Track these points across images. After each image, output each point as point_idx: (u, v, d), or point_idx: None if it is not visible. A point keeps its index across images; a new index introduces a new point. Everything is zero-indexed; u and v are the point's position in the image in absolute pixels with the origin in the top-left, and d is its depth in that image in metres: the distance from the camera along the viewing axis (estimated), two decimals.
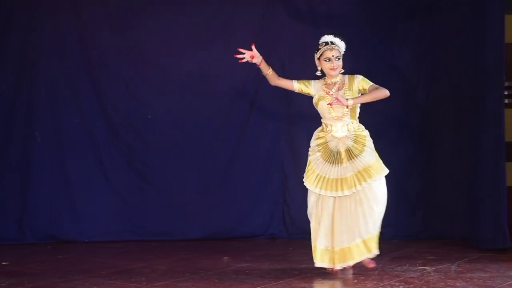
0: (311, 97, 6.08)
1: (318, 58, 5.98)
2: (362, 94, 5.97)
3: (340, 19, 7.66)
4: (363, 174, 5.85)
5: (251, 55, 6.00)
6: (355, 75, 6.01)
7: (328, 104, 5.92)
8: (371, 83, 5.96)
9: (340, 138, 5.96)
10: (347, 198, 5.87)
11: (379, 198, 5.89)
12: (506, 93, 8.96)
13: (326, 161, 5.95)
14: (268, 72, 6.04)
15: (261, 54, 6.04)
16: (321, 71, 6.02)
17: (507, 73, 9.40)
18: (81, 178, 7.67)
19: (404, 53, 7.68)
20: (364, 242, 5.85)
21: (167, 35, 7.76)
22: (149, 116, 7.74)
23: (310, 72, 7.44)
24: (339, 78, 6.01)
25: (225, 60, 7.56)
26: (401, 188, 7.60)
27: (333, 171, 5.91)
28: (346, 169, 5.89)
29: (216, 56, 7.74)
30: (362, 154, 5.90)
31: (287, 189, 7.88)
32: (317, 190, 5.91)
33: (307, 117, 7.73)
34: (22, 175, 7.59)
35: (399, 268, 6.20)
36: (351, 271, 5.98)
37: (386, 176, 5.98)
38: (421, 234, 7.55)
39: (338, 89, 5.96)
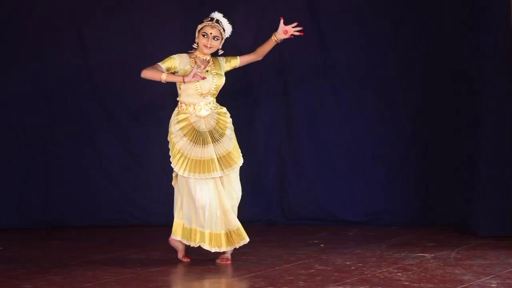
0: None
1: (199, 31, 5.90)
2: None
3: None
4: (223, 161, 5.87)
5: None
6: (218, 58, 6.02)
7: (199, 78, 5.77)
8: (239, 55, 6.09)
9: (204, 117, 5.90)
10: (213, 181, 5.85)
11: (235, 189, 6.00)
12: None
13: (196, 144, 5.83)
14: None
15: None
16: (197, 44, 5.94)
17: None
18: (75, 161, 7.59)
19: (401, 34, 7.58)
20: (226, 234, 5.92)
21: (163, 15, 7.65)
22: (146, 98, 7.63)
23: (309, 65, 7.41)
24: (209, 57, 5.98)
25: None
26: (399, 174, 7.56)
27: (202, 152, 5.82)
28: (210, 151, 5.83)
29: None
30: (222, 139, 5.92)
31: (284, 174, 7.81)
32: (191, 175, 5.76)
33: (306, 100, 7.71)
34: (21, 160, 7.49)
35: (397, 255, 6.13)
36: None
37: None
38: (420, 221, 7.48)
39: (204, 68, 5.87)
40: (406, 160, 7.57)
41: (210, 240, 5.82)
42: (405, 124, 7.57)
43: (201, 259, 5.98)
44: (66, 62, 7.54)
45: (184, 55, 5.91)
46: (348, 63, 7.58)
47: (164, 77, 5.71)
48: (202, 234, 5.82)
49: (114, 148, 7.64)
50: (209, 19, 5.90)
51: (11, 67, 7.45)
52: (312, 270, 5.57)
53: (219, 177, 5.85)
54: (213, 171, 5.79)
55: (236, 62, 6.07)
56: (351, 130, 7.62)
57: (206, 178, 5.79)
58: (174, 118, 5.92)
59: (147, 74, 5.76)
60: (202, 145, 5.83)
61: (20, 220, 7.39)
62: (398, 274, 5.42)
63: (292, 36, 6.11)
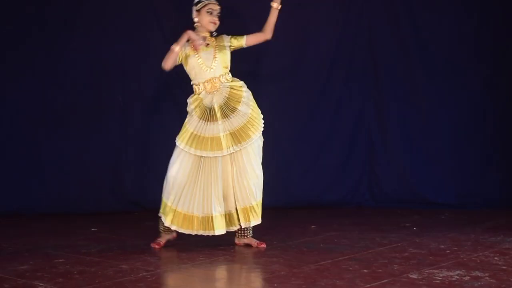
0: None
1: (199, 10, 5.74)
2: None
3: None
4: (233, 138, 5.65)
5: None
6: (223, 35, 5.83)
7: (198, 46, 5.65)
8: (246, 35, 5.83)
9: (213, 91, 5.72)
10: (227, 159, 5.69)
11: (253, 165, 5.72)
12: None
13: (201, 119, 5.69)
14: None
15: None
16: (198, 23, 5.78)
17: None
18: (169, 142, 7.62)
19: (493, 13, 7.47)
20: (242, 210, 5.75)
21: None
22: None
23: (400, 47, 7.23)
24: (207, 35, 5.82)
25: (313, 24, 7.51)
26: (492, 156, 7.44)
27: (209, 129, 5.66)
28: (216, 128, 5.66)
29: (304, 20, 7.62)
30: (233, 114, 5.70)
31: (373, 156, 7.79)
32: (192, 151, 5.65)
33: (396, 83, 7.63)
34: (114, 141, 7.57)
35: (493, 238, 6.04)
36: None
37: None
38: None
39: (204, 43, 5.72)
40: (499, 142, 7.44)
41: (174, 216, 5.76)
42: (499, 107, 7.44)
43: (294, 243, 5.98)
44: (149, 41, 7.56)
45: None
46: (439, 43, 7.48)
47: (176, 48, 5.62)
48: (167, 207, 5.80)
49: None
50: None
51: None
52: (406, 254, 5.51)
53: (233, 154, 5.69)
54: (217, 150, 5.64)
55: (243, 41, 5.84)
56: (443, 113, 7.55)
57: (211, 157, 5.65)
58: (189, 101, 5.83)
59: (166, 62, 5.66)
60: (209, 121, 5.68)
61: (114, 202, 7.49)
62: (495, 258, 5.32)
63: None
